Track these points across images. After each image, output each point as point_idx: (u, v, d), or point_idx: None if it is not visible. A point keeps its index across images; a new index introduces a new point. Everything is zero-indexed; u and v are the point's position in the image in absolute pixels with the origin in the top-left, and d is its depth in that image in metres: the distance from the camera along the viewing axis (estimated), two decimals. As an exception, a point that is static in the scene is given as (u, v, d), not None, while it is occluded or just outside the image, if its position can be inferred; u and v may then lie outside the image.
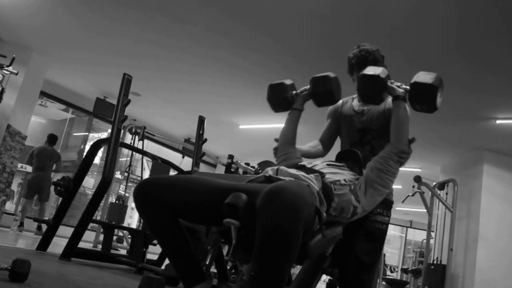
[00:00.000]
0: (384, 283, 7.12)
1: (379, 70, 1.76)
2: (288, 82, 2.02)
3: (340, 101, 2.16)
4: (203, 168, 8.10)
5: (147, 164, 6.79)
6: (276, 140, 2.03)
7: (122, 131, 4.00)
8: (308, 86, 1.97)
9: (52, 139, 6.93)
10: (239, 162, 5.75)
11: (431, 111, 1.69)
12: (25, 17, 5.22)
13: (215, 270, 3.58)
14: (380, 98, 1.80)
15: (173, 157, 8.60)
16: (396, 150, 1.68)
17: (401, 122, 1.73)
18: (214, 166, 10.62)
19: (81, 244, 3.65)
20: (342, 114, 2.14)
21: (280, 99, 2.03)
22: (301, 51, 4.79)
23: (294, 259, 1.18)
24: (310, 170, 1.58)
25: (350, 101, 2.15)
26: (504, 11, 3.51)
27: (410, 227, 13.98)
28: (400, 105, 1.73)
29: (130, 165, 6.39)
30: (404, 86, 1.75)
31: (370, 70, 1.78)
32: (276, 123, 7.01)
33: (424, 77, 1.67)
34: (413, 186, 6.44)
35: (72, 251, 3.37)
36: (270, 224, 1.13)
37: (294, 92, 2.01)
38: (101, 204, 5.15)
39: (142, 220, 4.76)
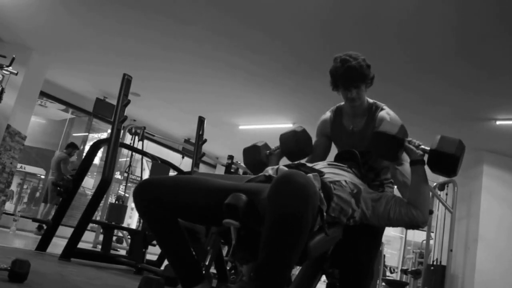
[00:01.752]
0: (384, 284, 7.11)
1: (396, 128, 1.62)
2: (260, 144, 2.06)
3: (328, 115, 2.08)
4: (202, 168, 8.10)
5: (147, 164, 6.79)
6: None
7: (122, 131, 4.00)
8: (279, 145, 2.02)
9: (67, 145, 7.37)
10: (239, 162, 5.75)
11: (450, 177, 1.62)
12: (25, 17, 5.21)
13: (214, 271, 3.58)
14: (396, 157, 1.68)
15: (173, 157, 8.59)
16: (415, 221, 1.58)
17: (423, 193, 1.60)
18: (214, 166, 10.62)
19: (81, 245, 3.64)
20: (332, 132, 2.06)
21: (255, 161, 2.05)
22: (301, 51, 4.78)
23: (302, 247, 1.19)
24: (309, 169, 1.58)
25: (339, 117, 2.04)
26: (504, 12, 3.51)
27: (410, 227, 13.94)
28: (419, 171, 1.61)
29: (129, 166, 6.39)
30: (422, 147, 1.62)
31: (387, 126, 1.64)
32: (276, 124, 7.01)
33: (446, 145, 1.55)
34: (413, 187, 6.42)
35: (71, 251, 3.36)
36: (281, 209, 1.14)
37: (268, 152, 2.05)
38: (100, 205, 5.14)
39: (141, 221, 4.76)
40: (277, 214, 1.15)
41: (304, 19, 4.14)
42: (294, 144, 1.95)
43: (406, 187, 1.71)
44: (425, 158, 1.62)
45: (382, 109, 1.94)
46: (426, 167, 1.62)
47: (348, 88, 1.84)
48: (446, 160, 1.55)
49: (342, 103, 2.03)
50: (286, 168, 1.53)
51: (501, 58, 4.12)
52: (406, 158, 1.70)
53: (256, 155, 2.04)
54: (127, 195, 8.29)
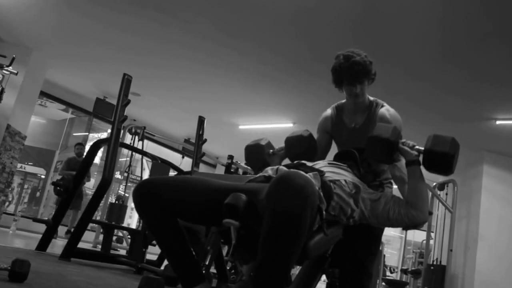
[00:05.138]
0: (384, 283, 7.11)
1: (389, 132, 1.61)
2: (263, 142, 2.02)
3: (329, 112, 2.08)
4: (203, 168, 8.10)
5: (147, 164, 6.79)
6: None
7: (122, 131, 4.00)
8: (283, 146, 1.99)
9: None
10: (239, 162, 5.75)
11: (447, 175, 1.62)
12: (25, 17, 5.22)
13: (214, 271, 3.58)
14: (392, 159, 1.68)
15: (173, 157, 8.59)
16: (414, 221, 1.58)
17: (421, 194, 1.60)
18: (214, 166, 10.61)
19: (81, 244, 3.64)
20: (333, 129, 2.06)
21: (257, 160, 2.02)
22: (301, 50, 4.79)
23: (301, 246, 1.19)
24: (309, 169, 1.58)
25: (340, 113, 2.04)
26: (496, 10, 3.50)
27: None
28: (415, 172, 1.61)
29: (130, 165, 6.38)
30: (417, 147, 1.62)
31: (380, 130, 1.63)
32: (276, 123, 7.01)
33: (439, 144, 1.56)
34: (413, 187, 6.42)
35: (71, 251, 3.36)
36: (279, 208, 1.14)
37: (271, 151, 2.01)
38: (101, 204, 5.14)
39: (141, 220, 4.76)
40: (275, 213, 1.15)
41: (304, 20, 4.14)
42: (300, 149, 1.92)
43: (403, 182, 1.71)
44: (421, 158, 1.62)
45: (382, 106, 1.96)
46: (423, 168, 1.63)
47: (353, 84, 1.82)
48: (441, 159, 1.55)
49: (343, 100, 2.04)
50: (285, 169, 1.53)
51: (502, 57, 4.11)
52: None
53: (258, 154, 2.00)
54: (127, 195, 8.29)
